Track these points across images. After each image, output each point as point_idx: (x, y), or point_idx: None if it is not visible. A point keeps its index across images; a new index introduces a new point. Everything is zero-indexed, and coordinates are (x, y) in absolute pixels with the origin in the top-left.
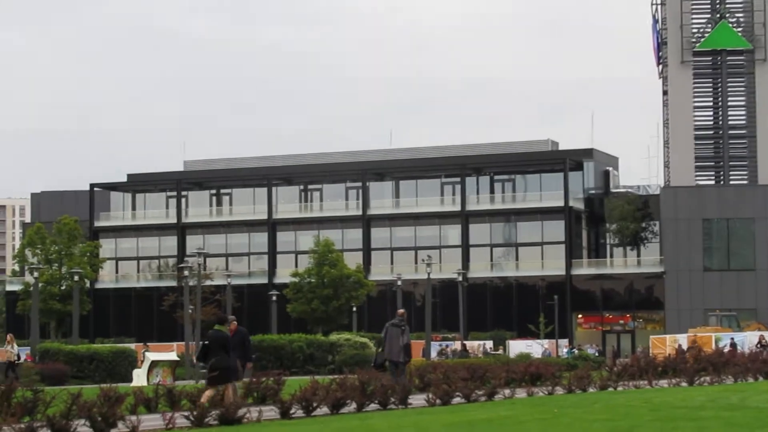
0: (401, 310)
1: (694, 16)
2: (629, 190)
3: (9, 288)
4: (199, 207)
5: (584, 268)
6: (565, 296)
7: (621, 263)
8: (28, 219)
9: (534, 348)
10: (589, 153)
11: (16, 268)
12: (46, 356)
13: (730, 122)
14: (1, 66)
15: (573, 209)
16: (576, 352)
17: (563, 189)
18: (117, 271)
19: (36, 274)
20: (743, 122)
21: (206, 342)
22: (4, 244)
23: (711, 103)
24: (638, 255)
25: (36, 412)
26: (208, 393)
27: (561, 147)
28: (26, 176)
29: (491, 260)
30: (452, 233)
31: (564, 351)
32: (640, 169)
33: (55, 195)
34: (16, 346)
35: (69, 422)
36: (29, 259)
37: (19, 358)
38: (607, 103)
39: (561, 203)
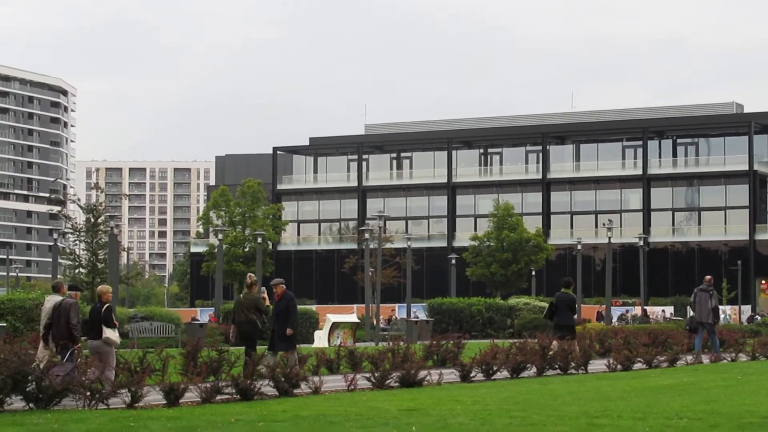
0: (709, 276)
1: None
2: None
3: (194, 249)
4: (379, 170)
5: None
6: (749, 262)
7: None
8: (212, 182)
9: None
10: None
11: (201, 230)
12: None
13: None
14: (189, 30)
15: (758, 173)
16: (759, 318)
17: (748, 152)
18: (299, 234)
19: (220, 236)
20: None
21: (553, 302)
22: (189, 206)
23: None
24: None
25: (221, 371)
26: (554, 345)
27: (746, 110)
28: (211, 140)
29: (673, 225)
30: (633, 197)
31: (745, 318)
32: None
33: (239, 158)
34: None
35: (253, 382)
36: (214, 221)
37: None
38: None
39: (745, 167)
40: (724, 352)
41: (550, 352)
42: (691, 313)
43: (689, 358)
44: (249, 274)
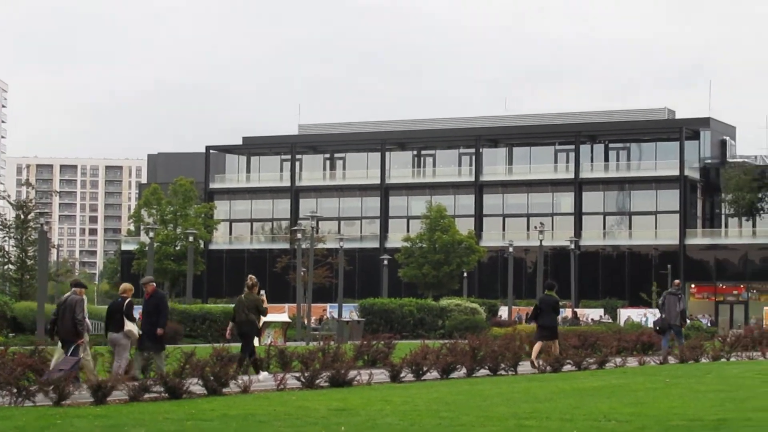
0: (677, 281)
1: None
2: (746, 160)
3: (125, 247)
4: (312, 171)
5: (698, 238)
6: (679, 266)
7: (736, 234)
8: (144, 180)
9: (648, 318)
10: (706, 122)
11: (132, 228)
12: None
13: None
14: (120, 29)
15: (688, 178)
16: (688, 322)
17: (679, 158)
18: (231, 233)
19: (151, 234)
20: None
21: (537, 305)
22: (121, 204)
23: None
24: (753, 226)
25: (149, 370)
26: (537, 347)
27: (678, 116)
28: (143, 138)
29: (604, 228)
30: (565, 201)
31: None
32: (759, 138)
33: (172, 157)
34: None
35: (182, 381)
36: (145, 219)
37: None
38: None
39: (676, 172)
40: (652, 356)
41: (535, 354)
42: (660, 315)
43: (618, 360)
44: (250, 276)
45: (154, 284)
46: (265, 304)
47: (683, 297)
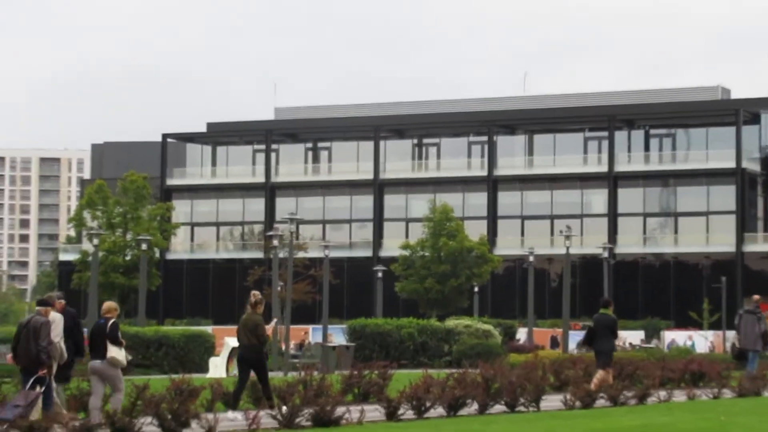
0: (756, 296)
1: None
2: None
3: (63, 257)
4: (292, 163)
5: (759, 244)
6: (735, 278)
7: None
8: (87, 175)
9: (696, 341)
10: (767, 103)
11: (72, 233)
12: None
13: None
14: (63, 5)
15: (747, 171)
16: None
17: (735, 147)
18: (192, 239)
19: (96, 241)
20: None
21: (592, 326)
22: (58, 204)
23: None
24: None
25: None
26: (600, 376)
27: (733, 95)
28: (85, 125)
29: (644, 233)
30: (597, 199)
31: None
32: None
33: (121, 147)
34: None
35: (133, 420)
36: (88, 223)
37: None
38: None
39: (732, 164)
40: (703, 388)
41: (594, 388)
42: (735, 338)
43: (662, 394)
44: (253, 292)
45: (64, 301)
46: (269, 331)
47: (764, 317)
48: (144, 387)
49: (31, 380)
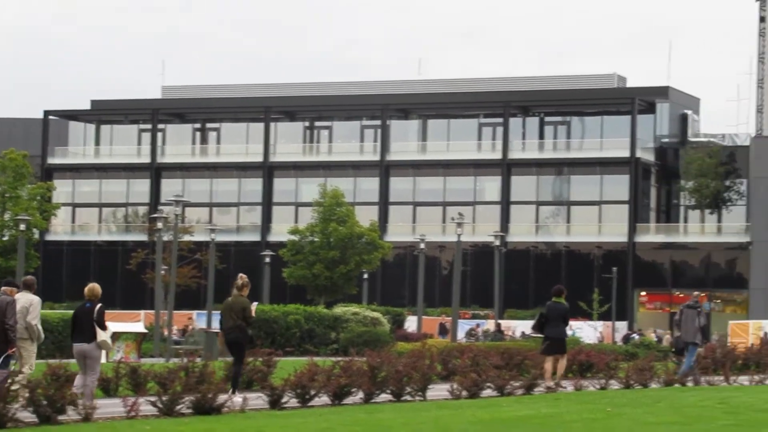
0: (697, 292)
1: None
2: (711, 139)
3: None
4: (178, 144)
5: (651, 235)
6: (627, 268)
7: (697, 230)
8: None
9: (585, 331)
10: (663, 92)
11: None
12: None
13: None
14: None
15: (641, 161)
16: (637, 337)
17: (630, 136)
18: (74, 221)
19: None
20: None
21: (543, 313)
22: None
23: None
24: (719, 220)
25: None
26: (547, 365)
27: (629, 84)
28: None
29: (537, 221)
30: (490, 186)
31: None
32: (726, 113)
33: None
34: None
35: (7, 405)
36: None
37: None
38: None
39: (626, 153)
40: (591, 379)
41: (549, 373)
42: (673, 332)
43: (560, 383)
44: (240, 275)
45: None
46: (253, 312)
47: (703, 311)
48: (18, 372)
49: (2, 358)
